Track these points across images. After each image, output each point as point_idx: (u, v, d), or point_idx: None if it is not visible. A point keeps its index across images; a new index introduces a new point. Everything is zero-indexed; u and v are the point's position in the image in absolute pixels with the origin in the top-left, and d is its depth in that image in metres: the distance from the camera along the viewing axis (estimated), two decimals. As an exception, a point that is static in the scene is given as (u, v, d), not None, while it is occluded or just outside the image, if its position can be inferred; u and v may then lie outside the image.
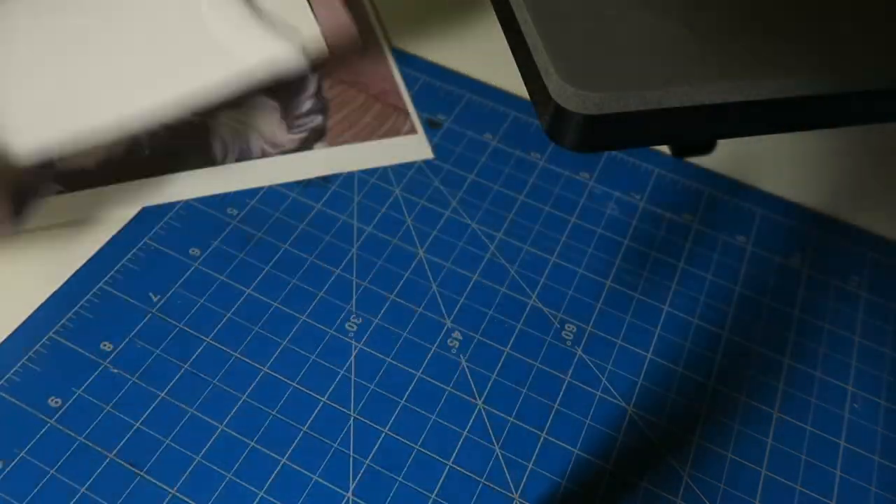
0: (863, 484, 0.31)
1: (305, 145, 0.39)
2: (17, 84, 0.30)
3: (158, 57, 0.30)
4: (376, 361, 0.32)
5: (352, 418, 0.31)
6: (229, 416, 0.30)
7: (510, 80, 0.43)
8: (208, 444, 0.30)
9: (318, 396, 0.31)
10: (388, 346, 0.33)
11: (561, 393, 0.32)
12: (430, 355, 0.33)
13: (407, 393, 0.32)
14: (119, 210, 0.36)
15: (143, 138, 0.38)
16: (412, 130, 0.40)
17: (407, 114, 0.41)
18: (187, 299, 0.33)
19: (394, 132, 0.40)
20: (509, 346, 0.34)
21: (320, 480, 0.29)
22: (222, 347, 0.32)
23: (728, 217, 0.39)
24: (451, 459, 0.30)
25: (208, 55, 0.31)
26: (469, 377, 0.32)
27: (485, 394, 0.32)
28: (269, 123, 0.39)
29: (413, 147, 0.39)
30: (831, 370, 0.34)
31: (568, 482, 0.30)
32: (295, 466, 0.29)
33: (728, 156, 0.41)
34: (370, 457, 0.30)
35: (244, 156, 0.38)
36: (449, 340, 0.33)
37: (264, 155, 0.38)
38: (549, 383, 0.33)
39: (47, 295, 0.32)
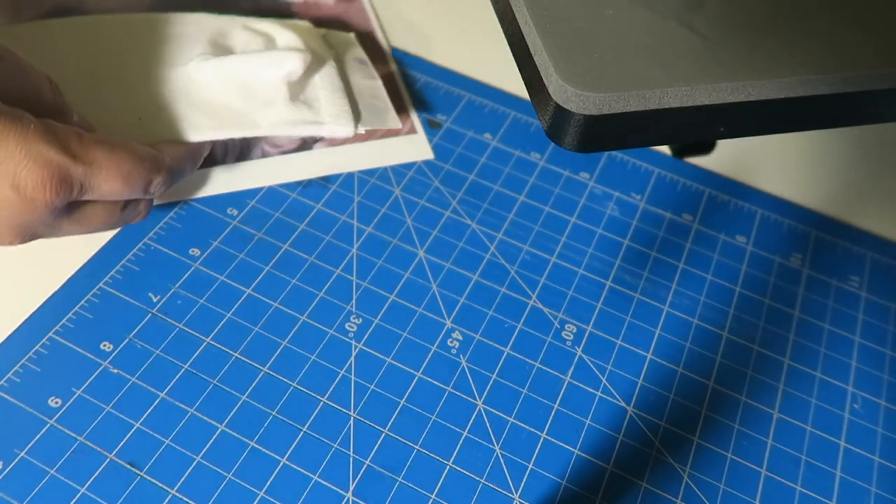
0: (863, 484, 0.31)
1: (305, 145, 0.39)
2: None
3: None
4: (376, 361, 0.32)
5: (352, 418, 0.31)
6: (229, 416, 0.30)
7: (510, 80, 0.43)
8: (208, 444, 0.30)
9: (318, 396, 0.31)
10: (388, 346, 0.33)
11: (561, 393, 0.32)
12: (430, 355, 0.33)
13: (407, 393, 0.32)
14: (119, 210, 0.35)
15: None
16: (412, 131, 0.40)
17: (407, 114, 0.41)
18: (187, 299, 0.33)
19: (394, 132, 0.40)
20: (509, 346, 0.34)
21: (320, 480, 0.29)
22: (222, 347, 0.32)
23: (728, 217, 0.39)
24: (451, 459, 0.30)
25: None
26: (469, 377, 0.32)
27: (485, 394, 0.32)
28: None
29: (413, 147, 0.39)
30: (831, 370, 0.34)
31: (568, 482, 0.30)
32: (295, 466, 0.29)
33: (728, 156, 0.41)
34: (370, 457, 0.30)
35: (244, 156, 0.38)
36: (449, 340, 0.33)
37: (264, 155, 0.38)
38: (549, 383, 0.33)
39: (47, 295, 0.32)
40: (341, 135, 0.36)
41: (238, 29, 0.38)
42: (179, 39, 0.37)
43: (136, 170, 0.30)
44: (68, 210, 0.29)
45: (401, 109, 0.41)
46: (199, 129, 0.34)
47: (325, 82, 0.37)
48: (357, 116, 0.37)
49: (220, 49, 0.37)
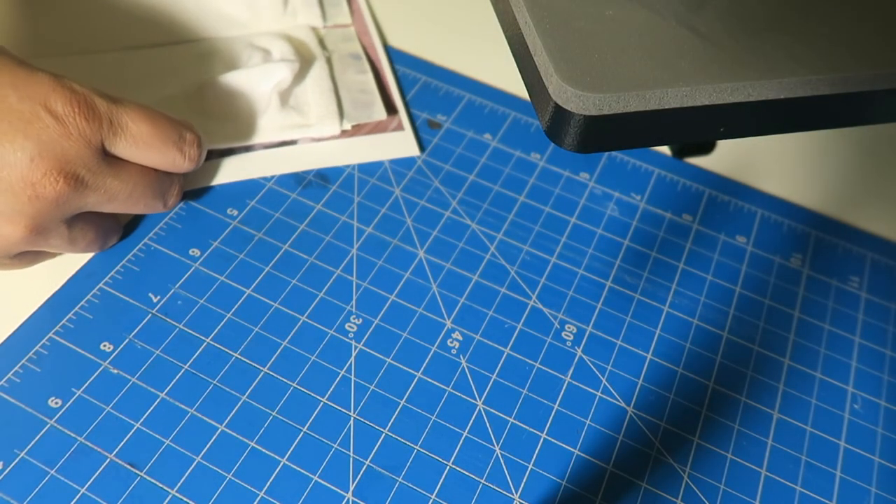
0: (863, 484, 0.31)
1: (289, 140, 0.39)
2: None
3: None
4: (376, 361, 0.32)
5: (352, 418, 0.31)
6: (229, 416, 0.30)
7: (510, 80, 0.43)
8: (208, 444, 0.30)
9: (318, 396, 0.31)
10: (388, 346, 0.33)
11: (561, 393, 0.32)
12: (430, 355, 0.33)
13: (407, 393, 0.32)
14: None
15: None
16: (399, 127, 0.40)
17: (396, 111, 0.41)
18: (187, 299, 0.33)
19: (381, 129, 0.40)
20: (509, 346, 0.34)
21: (320, 480, 0.29)
22: (222, 347, 0.32)
23: (728, 217, 0.39)
24: (451, 460, 0.30)
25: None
26: (469, 377, 0.32)
27: (485, 394, 0.32)
28: None
29: (399, 144, 0.39)
30: (831, 370, 0.34)
31: (568, 482, 0.30)
32: (295, 466, 0.29)
33: (728, 156, 0.41)
34: (370, 457, 0.30)
35: (229, 150, 0.38)
36: (449, 341, 0.33)
37: (249, 149, 0.38)
38: (549, 383, 0.33)
39: (47, 295, 0.33)
40: (328, 134, 0.39)
41: (242, 47, 0.41)
42: (196, 61, 0.40)
43: (161, 115, 0.32)
44: (109, 164, 0.30)
45: (390, 105, 0.41)
46: (212, 139, 0.37)
47: (314, 85, 0.40)
48: (343, 113, 0.40)
49: (227, 67, 0.40)
